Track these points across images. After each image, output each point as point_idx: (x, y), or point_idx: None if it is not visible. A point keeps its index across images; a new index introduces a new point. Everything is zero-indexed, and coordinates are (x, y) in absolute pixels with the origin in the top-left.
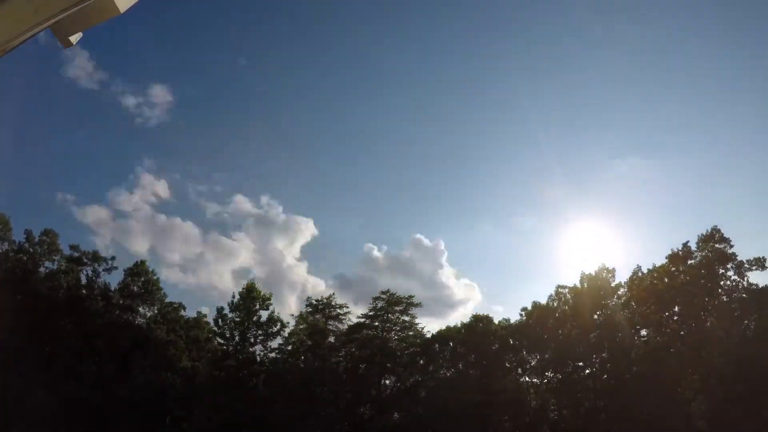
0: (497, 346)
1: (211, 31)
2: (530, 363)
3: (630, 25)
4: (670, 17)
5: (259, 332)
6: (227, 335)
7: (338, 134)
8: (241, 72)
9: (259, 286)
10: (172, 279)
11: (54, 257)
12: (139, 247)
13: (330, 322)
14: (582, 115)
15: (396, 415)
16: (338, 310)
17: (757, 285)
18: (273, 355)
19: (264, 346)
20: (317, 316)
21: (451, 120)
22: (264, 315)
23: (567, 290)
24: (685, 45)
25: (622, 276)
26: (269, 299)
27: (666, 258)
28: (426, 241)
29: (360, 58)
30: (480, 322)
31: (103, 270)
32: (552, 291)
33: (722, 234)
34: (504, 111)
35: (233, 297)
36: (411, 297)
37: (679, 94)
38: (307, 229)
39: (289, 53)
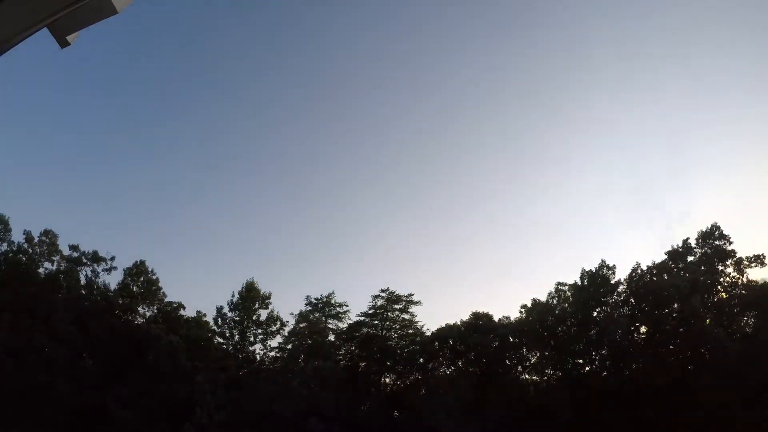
0: (497, 343)
1: None
2: (530, 360)
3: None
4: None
5: (259, 331)
6: (227, 334)
7: None
8: None
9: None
10: None
11: (53, 257)
12: None
13: (330, 321)
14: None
15: (396, 413)
16: (338, 309)
17: (756, 282)
18: (273, 354)
19: (264, 345)
20: (317, 315)
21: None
22: (264, 314)
23: (567, 287)
24: (687, 43)
25: (622, 273)
26: (269, 298)
27: (665, 254)
28: None
29: None
30: (479, 319)
31: (103, 270)
32: (552, 288)
33: (722, 231)
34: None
35: (233, 296)
36: (410, 295)
37: (678, 92)
38: None
39: None
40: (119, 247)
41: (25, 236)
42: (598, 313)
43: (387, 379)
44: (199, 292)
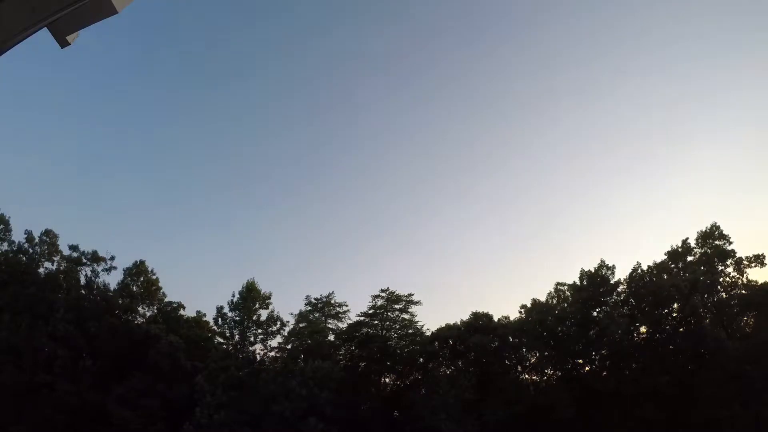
0: (497, 343)
1: None
2: (530, 360)
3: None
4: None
5: (259, 331)
6: (227, 334)
7: None
8: None
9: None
10: None
11: (53, 257)
12: None
13: (329, 321)
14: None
15: (396, 413)
16: (338, 309)
17: (756, 282)
18: (273, 354)
19: (264, 345)
20: (317, 315)
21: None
22: (264, 314)
23: (566, 287)
24: (691, 41)
25: (622, 273)
26: (269, 298)
27: (665, 254)
28: None
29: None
30: (479, 319)
31: (103, 270)
32: (551, 288)
33: (722, 231)
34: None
35: (233, 296)
36: (410, 295)
37: (679, 91)
38: None
39: None
40: (119, 247)
41: (25, 236)
42: (598, 313)
43: (387, 379)
44: (199, 292)
